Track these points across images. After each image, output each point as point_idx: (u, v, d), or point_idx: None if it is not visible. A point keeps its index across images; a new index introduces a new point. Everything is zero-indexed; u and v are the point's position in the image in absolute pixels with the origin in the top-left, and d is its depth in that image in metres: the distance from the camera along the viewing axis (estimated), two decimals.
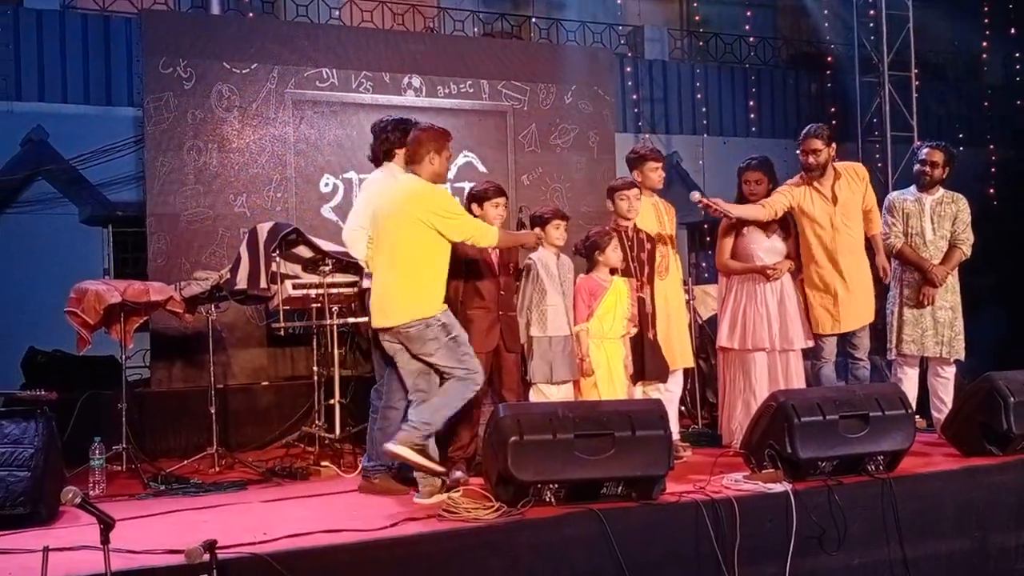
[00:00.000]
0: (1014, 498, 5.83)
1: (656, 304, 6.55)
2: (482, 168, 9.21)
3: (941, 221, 7.07)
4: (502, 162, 9.34)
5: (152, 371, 8.17)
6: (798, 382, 6.58)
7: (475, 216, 6.05)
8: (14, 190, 10.76)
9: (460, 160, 9.19)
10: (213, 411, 6.76)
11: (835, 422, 5.45)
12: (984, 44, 14.61)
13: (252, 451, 7.33)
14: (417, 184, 5.48)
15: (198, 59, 8.24)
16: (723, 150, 12.74)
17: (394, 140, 5.96)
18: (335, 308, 6.90)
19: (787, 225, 6.76)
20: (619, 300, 6.28)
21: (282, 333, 7.14)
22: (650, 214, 6.76)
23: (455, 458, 5.96)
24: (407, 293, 5.39)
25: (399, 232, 5.40)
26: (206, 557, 3.79)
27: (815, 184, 6.83)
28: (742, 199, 6.87)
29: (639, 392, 6.45)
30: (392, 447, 5.18)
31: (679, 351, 6.73)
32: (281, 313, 6.91)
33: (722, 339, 6.82)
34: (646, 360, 6.41)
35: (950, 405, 6.81)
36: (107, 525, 3.64)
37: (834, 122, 13.69)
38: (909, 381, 7.08)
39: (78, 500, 3.58)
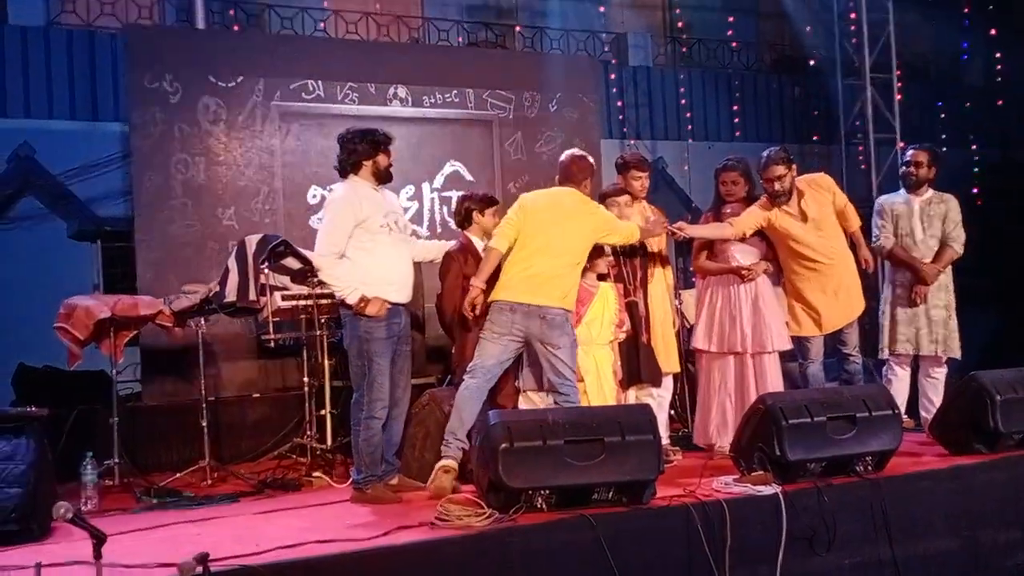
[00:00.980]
0: (1002, 496, 5.88)
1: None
2: (469, 177, 9.25)
3: (931, 221, 7.12)
4: (488, 170, 9.38)
5: (143, 385, 8.17)
6: (774, 384, 6.55)
7: (472, 225, 6.33)
8: (2, 207, 10.75)
9: (447, 169, 9.23)
10: (204, 424, 6.77)
11: (823, 424, 5.49)
12: (965, 45, 14.69)
13: (244, 463, 7.35)
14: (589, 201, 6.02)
15: (184, 73, 8.26)
16: (708, 155, 12.76)
17: (361, 152, 5.85)
18: (324, 319, 6.94)
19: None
20: (606, 306, 6.31)
21: (272, 345, 7.17)
22: (638, 220, 6.79)
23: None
24: (567, 283, 5.78)
25: (572, 237, 5.83)
26: (199, 570, 3.80)
27: (783, 208, 6.74)
28: (719, 200, 6.89)
29: (632, 397, 6.48)
30: None
31: (666, 356, 6.74)
32: (271, 325, 6.95)
33: (697, 341, 6.83)
34: (641, 364, 6.45)
35: (939, 405, 6.85)
36: (99, 540, 3.65)
37: (817, 125, 13.83)
38: (900, 381, 7.12)
39: (70, 516, 3.60)
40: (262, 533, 4.91)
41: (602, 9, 13.94)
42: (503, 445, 4.84)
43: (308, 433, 6.98)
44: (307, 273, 6.87)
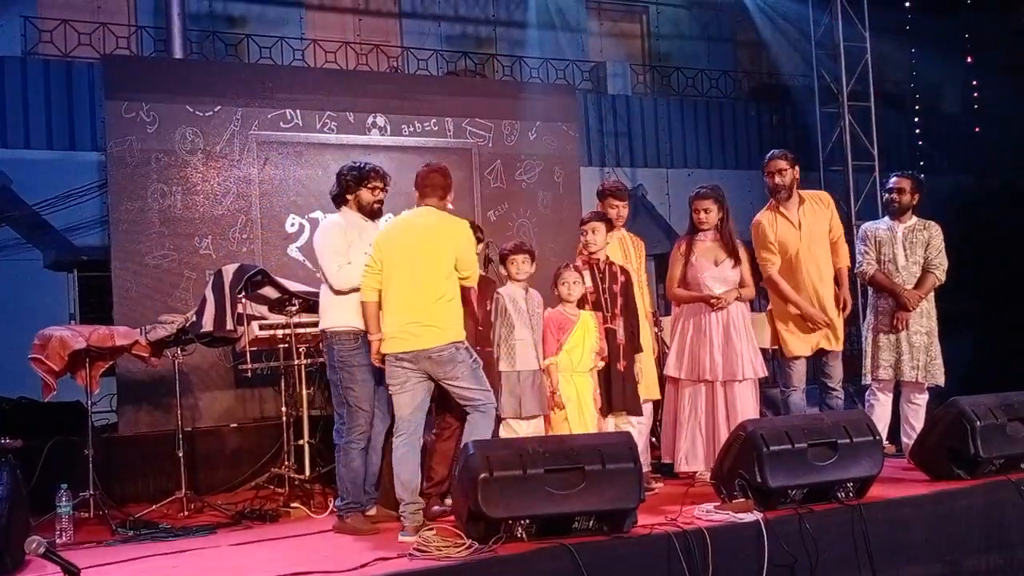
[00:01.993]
0: (983, 521, 5.86)
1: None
2: (449, 205, 9.19)
3: (913, 248, 7.15)
4: (468, 199, 9.36)
5: (119, 416, 8.10)
6: (745, 412, 6.52)
7: None
8: None
9: None
10: (181, 455, 6.70)
11: (804, 450, 5.47)
12: (941, 73, 14.82)
13: (222, 494, 7.26)
14: (448, 220, 5.76)
15: (161, 103, 8.24)
16: (688, 182, 12.76)
17: (346, 186, 5.98)
18: (303, 348, 6.89)
19: (736, 252, 6.80)
20: (587, 334, 6.30)
21: (249, 375, 7.12)
22: (615, 248, 6.81)
23: (431, 494, 5.94)
24: (443, 317, 5.55)
25: (436, 263, 5.59)
26: None
27: (781, 209, 7.02)
28: (693, 227, 6.90)
29: (611, 425, 6.45)
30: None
31: (645, 383, 6.73)
32: (248, 354, 6.89)
33: (669, 368, 6.83)
34: (613, 392, 6.42)
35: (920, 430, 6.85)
36: (72, 574, 3.58)
37: (796, 152, 13.88)
38: (882, 407, 7.12)
39: (42, 550, 3.53)
40: (239, 565, 4.86)
41: (581, 38, 14.03)
42: (482, 475, 4.79)
43: (286, 463, 6.91)
44: (285, 302, 6.84)
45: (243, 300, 6.77)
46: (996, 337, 11.80)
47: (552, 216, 9.75)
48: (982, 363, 10.42)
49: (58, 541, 5.62)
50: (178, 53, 10.68)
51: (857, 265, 7.25)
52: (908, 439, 6.98)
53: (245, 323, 6.79)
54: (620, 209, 6.94)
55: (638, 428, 6.58)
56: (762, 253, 7.04)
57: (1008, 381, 7.40)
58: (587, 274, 6.51)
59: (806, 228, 6.98)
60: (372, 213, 6.02)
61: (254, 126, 8.56)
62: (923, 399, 7.13)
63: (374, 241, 5.72)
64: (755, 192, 13.45)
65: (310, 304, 6.70)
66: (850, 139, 12.26)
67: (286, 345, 6.95)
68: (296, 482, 6.79)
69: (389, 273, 5.58)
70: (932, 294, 7.16)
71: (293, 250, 8.54)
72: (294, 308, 6.79)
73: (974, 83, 14.74)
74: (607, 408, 6.42)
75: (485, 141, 9.55)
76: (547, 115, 9.94)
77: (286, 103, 8.73)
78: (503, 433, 6.10)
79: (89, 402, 6.72)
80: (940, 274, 7.13)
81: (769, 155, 7.18)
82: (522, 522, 4.84)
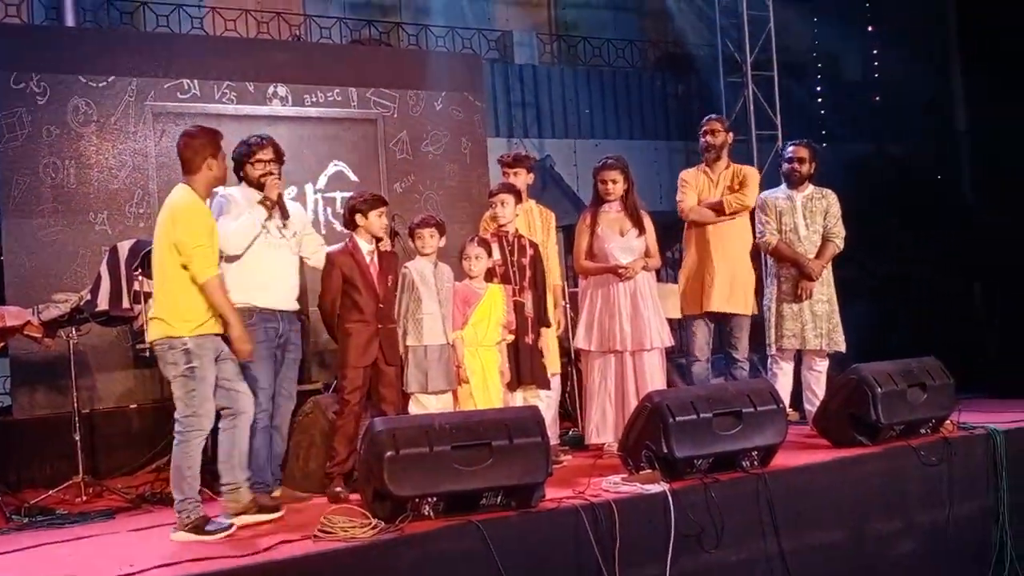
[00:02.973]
0: (885, 486, 5.99)
1: None
2: (353, 177, 9.09)
3: (813, 216, 7.26)
4: (373, 170, 9.22)
5: (13, 398, 7.81)
6: (654, 382, 6.58)
7: (359, 227, 6.02)
8: None
9: (330, 169, 9.05)
10: (78, 438, 6.52)
11: (709, 420, 5.52)
12: (842, 42, 15.01)
13: (121, 477, 7.09)
14: (177, 200, 5.21)
15: (52, 73, 7.93)
16: (595, 153, 12.73)
17: (236, 161, 5.81)
18: None
19: (641, 222, 6.81)
20: (494, 307, 6.26)
21: (148, 354, 6.90)
22: (520, 220, 6.77)
23: (333, 474, 5.86)
24: (166, 307, 5.13)
25: (158, 249, 5.19)
26: None
27: (707, 169, 7.26)
28: (598, 199, 6.90)
29: (519, 399, 6.42)
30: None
31: (549, 357, 6.72)
32: (146, 333, 6.69)
33: (579, 340, 6.85)
34: (522, 366, 6.39)
35: (822, 397, 6.96)
36: None
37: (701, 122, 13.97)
38: (784, 375, 7.23)
39: None
40: (137, 552, 4.72)
41: (487, 6, 13.91)
42: (389, 453, 4.73)
43: None
44: None
45: (140, 277, 6.56)
46: (895, 304, 12.04)
47: (460, 188, 9.65)
48: (884, 329, 10.62)
49: None
50: (70, 21, 10.32)
51: (759, 235, 7.32)
52: (811, 406, 7.08)
53: (142, 301, 6.59)
54: (523, 177, 6.92)
55: (546, 401, 6.57)
56: (684, 197, 7.23)
57: (909, 347, 7.57)
58: (495, 246, 6.46)
59: (722, 189, 7.18)
60: (262, 187, 5.77)
61: (150, 97, 8.28)
62: (824, 365, 7.26)
63: None
64: (661, 162, 13.62)
65: None
66: (753, 108, 12.36)
67: None
68: None
69: None
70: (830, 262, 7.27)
71: None
72: None
73: (874, 52, 14.95)
74: (515, 382, 6.39)
75: (390, 112, 9.40)
76: (453, 85, 9.82)
77: (183, 73, 8.46)
78: (412, 408, 6.05)
79: None
80: (839, 242, 7.25)
81: (706, 119, 7.43)
82: (429, 500, 4.80)
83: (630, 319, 6.64)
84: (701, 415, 5.49)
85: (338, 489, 5.77)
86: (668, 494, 5.15)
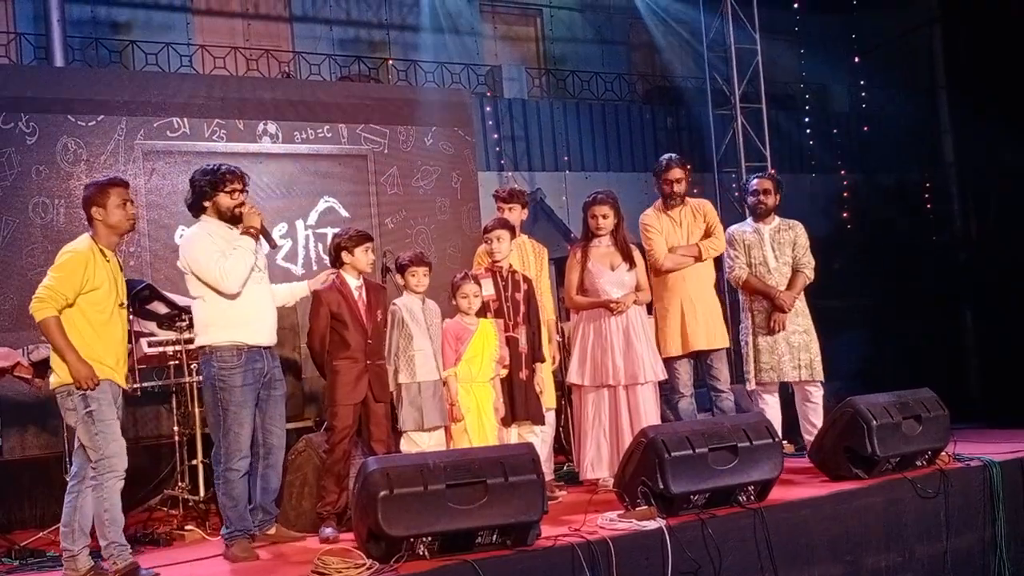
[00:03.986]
0: (882, 520, 5.95)
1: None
2: (344, 213, 9.08)
3: (782, 248, 7.28)
4: (365, 206, 9.21)
5: (4, 439, 7.71)
6: (648, 416, 6.56)
7: (345, 264, 5.99)
8: None
9: (321, 205, 9.04)
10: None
11: (705, 455, 5.48)
12: (830, 74, 15.12)
13: None
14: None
15: (41, 113, 7.92)
16: (586, 185, 12.80)
17: (201, 192, 5.62)
18: (194, 365, 6.69)
19: (631, 257, 6.81)
20: (486, 342, 6.23)
21: (139, 393, 6.87)
22: (514, 255, 6.76)
23: (324, 514, 5.81)
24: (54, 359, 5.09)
25: None
26: None
27: (667, 211, 7.20)
28: (588, 233, 6.90)
29: (514, 435, 6.38)
30: None
31: (545, 392, 6.69)
32: (137, 372, 6.66)
33: (571, 375, 6.82)
34: (516, 401, 6.36)
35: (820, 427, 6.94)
36: None
37: (690, 154, 14.02)
38: (771, 409, 7.21)
39: None
40: None
41: (476, 42, 13.97)
42: (382, 492, 4.69)
43: (180, 484, 6.71)
44: (175, 318, 6.64)
45: (131, 317, 6.52)
46: (889, 334, 12.05)
47: (451, 222, 9.65)
48: (878, 360, 10.63)
49: None
50: (59, 61, 10.34)
51: (728, 270, 7.34)
52: (809, 436, 7.05)
53: (133, 340, 6.55)
54: (516, 212, 6.93)
55: (541, 437, 6.55)
56: (655, 246, 7.12)
57: (903, 377, 7.56)
58: (489, 282, 6.45)
59: (686, 229, 7.17)
60: (234, 219, 5.61)
61: (139, 135, 8.28)
62: (819, 395, 7.25)
63: None
64: (650, 195, 13.57)
65: None
66: (743, 140, 12.41)
67: (177, 362, 6.74)
68: (190, 503, 6.59)
69: None
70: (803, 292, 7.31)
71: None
72: (184, 323, 6.58)
73: (861, 83, 15.05)
74: (510, 418, 6.35)
75: (381, 147, 9.41)
76: (443, 120, 9.83)
77: (173, 111, 8.45)
78: (404, 446, 6.01)
79: None
80: (809, 272, 7.28)
81: (665, 162, 7.24)
82: (424, 540, 4.75)
83: (623, 353, 6.62)
84: (697, 450, 5.45)
85: (328, 529, 5.71)
86: (665, 530, 5.11)
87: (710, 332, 7.04)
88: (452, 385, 6.10)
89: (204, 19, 12.94)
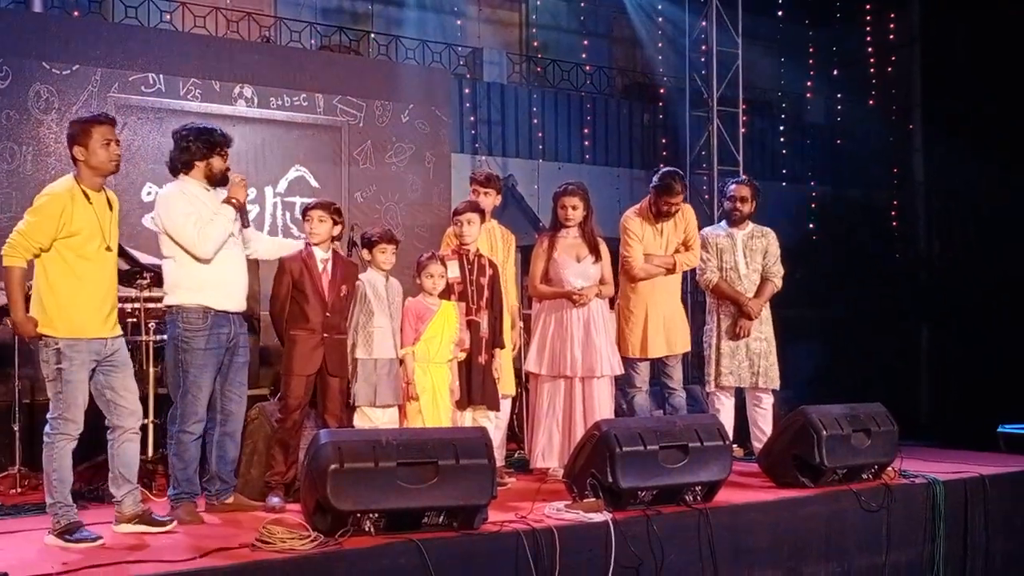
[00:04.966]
0: (824, 529, 6.01)
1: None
2: (315, 183, 9.05)
3: (753, 255, 7.33)
4: (335, 178, 9.19)
5: None
6: (603, 410, 6.60)
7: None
8: None
9: (292, 174, 9.01)
10: (17, 428, 6.41)
11: (656, 452, 5.52)
12: (808, 84, 15.21)
13: None
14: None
15: (15, 58, 7.84)
16: (558, 175, 12.79)
17: (195, 152, 5.50)
18: (152, 324, 6.64)
19: (598, 249, 6.82)
20: (447, 323, 6.23)
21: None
22: (483, 240, 6.76)
23: (272, 484, 5.80)
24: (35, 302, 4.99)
25: None
26: None
27: (652, 218, 7.14)
28: (557, 223, 6.90)
29: (468, 419, 6.39)
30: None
31: (503, 379, 6.70)
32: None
33: (529, 364, 6.84)
34: (473, 385, 6.37)
35: (769, 434, 7.00)
36: None
37: (664, 153, 14.08)
38: (726, 412, 7.29)
39: None
40: (74, 549, 4.63)
41: (459, 22, 13.90)
42: (333, 466, 4.68)
43: None
44: (135, 275, 6.57)
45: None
46: (848, 346, 12.18)
47: (421, 201, 9.64)
48: (831, 371, 10.73)
49: None
50: (37, 7, 10.16)
51: (699, 272, 7.38)
52: (758, 443, 7.14)
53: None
54: (492, 198, 6.92)
55: (495, 423, 6.56)
56: (633, 252, 7.09)
57: (856, 390, 7.64)
58: (455, 264, 6.44)
59: (666, 236, 7.15)
60: (222, 182, 5.58)
61: (114, 88, 8.21)
62: (769, 402, 7.34)
63: None
64: (622, 189, 13.65)
65: (162, 277, 6.43)
66: (717, 143, 12.45)
67: (134, 320, 6.68)
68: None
69: None
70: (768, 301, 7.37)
71: (148, 220, 8.16)
72: (145, 282, 6.53)
73: (838, 95, 15.15)
74: (466, 401, 6.36)
75: (356, 120, 9.37)
76: (421, 98, 9.82)
77: (149, 66, 8.39)
78: (358, 421, 6.02)
79: None
80: (778, 281, 7.35)
81: (667, 184, 7.01)
82: (371, 516, 4.75)
83: (581, 345, 6.64)
84: (648, 447, 5.49)
85: (275, 499, 5.70)
86: (610, 524, 5.14)
87: (671, 340, 7.07)
88: (409, 363, 6.09)
89: None
